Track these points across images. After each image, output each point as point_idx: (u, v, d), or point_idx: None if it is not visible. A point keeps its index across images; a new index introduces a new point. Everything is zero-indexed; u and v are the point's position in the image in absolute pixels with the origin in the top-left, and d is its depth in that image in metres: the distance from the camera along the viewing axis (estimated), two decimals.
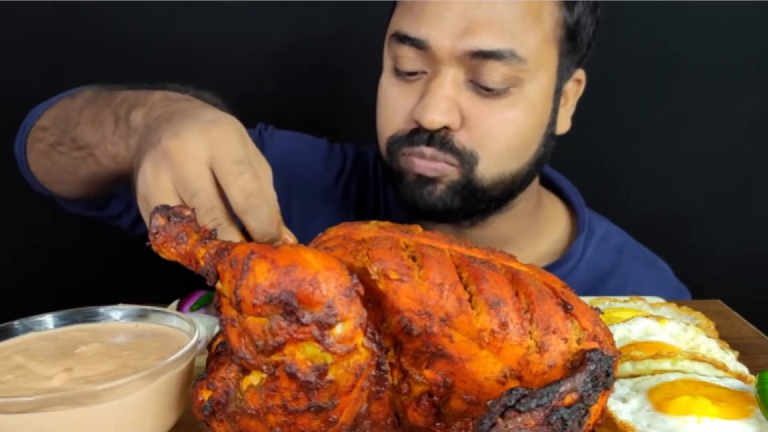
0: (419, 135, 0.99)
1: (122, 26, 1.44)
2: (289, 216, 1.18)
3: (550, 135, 1.06)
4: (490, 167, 1.00)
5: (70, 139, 0.96)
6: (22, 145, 1.05)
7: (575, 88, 1.09)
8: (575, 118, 1.11)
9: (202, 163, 0.67)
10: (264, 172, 0.70)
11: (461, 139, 0.98)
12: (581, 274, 1.12)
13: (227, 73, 1.47)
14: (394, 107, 1.02)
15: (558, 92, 1.04)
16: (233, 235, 0.67)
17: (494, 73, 0.95)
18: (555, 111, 1.05)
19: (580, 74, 1.08)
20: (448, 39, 0.94)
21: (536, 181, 1.13)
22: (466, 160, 0.98)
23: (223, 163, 0.66)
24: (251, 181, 0.66)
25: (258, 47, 1.47)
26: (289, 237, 0.69)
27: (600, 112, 1.43)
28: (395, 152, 1.02)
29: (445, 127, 0.97)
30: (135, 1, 1.42)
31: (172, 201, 0.67)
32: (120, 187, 1.00)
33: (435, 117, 0.95)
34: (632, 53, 1.46)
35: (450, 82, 0.96)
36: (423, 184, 1.01)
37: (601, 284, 1.12)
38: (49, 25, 1.43)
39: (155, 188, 0.68)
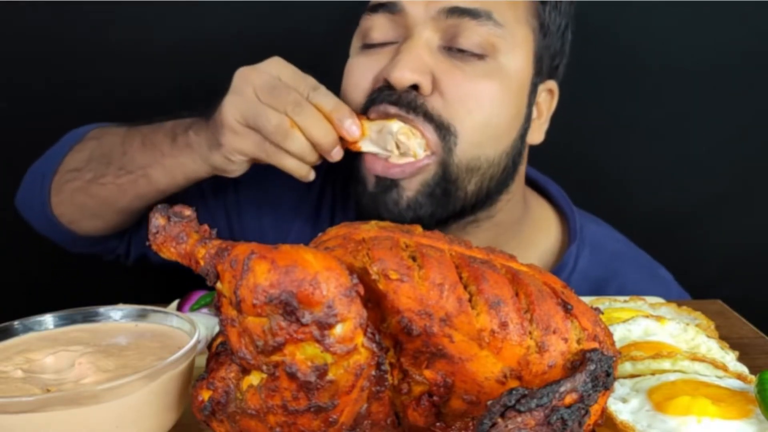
0: (381, 93, 0.93)
1: (116, 26, 1.44)
2: (262, 233, 1.17)
3: (527, 132, 1.03)
4: (468, 149, 0.94)
5: (116, 168, 1.05)
6: (41, 194, 1.10)
7: (548, 101, 1.07)
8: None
9: (272, 74, 0.91)
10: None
11: (435, 105, 0.93)
12: (575, 284, 1.04)
13: (225, 73, 1.47)
14: (360, 76, 0.98)
15: (534, 86, 1.01)
16: (310, 111, 0.89)
17: (471, 35, 0.93)
18: (530, 106, 1.02)
19: (552, 85, 1.06)
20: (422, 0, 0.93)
21: (520, 188, 1.09)
22: (444, 135, 0.93)
23: (288, 74, 0.92)
24: (315, 80, 0.92)
25: (256, 47, 1.47)
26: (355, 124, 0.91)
27: (599, 111, 1.43)
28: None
29: (415, 88, 0.92)
30: (127, 1, 1.41)
31: (256, 103, 0.90)
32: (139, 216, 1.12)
33: (404, 74, 0.91)
34: (630, 52, 1.46)
35: (423, 43, 0.93)
36: (383, 190, 0.95)
37: (597, 294, 1.08)
38: (48, 26, 1.43)
39: (239, 100, 0.90)
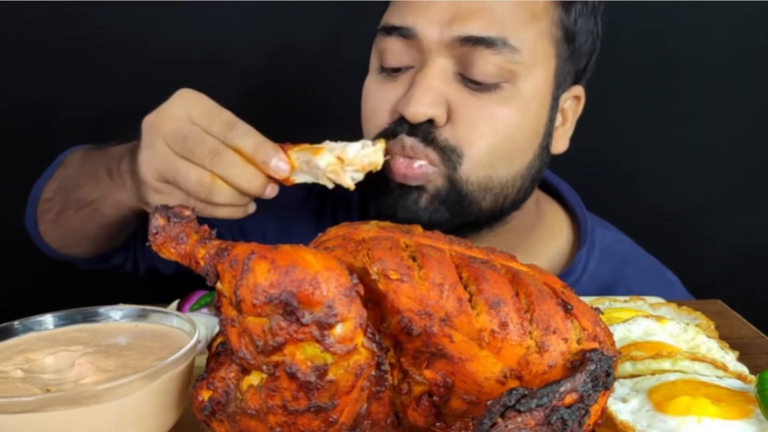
0: (402, 126, 0.93)
1: (114, 30, 1.45)
2: (265, 237, 1.16)
3: (546, 149, 1.00)
4: (476, 168, 0.93)
5: (74, 202, 1.03)
6: (32, 219, 1.11)
7: (574, 106, 1.05)
8: (577, 118, 1.09)
9: (182, 117, 0.81)
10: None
11: (446, 134, 0.92)
12: (583, 287, 1.07)
13: (222, 74, 1.47)
14: (378, 103, 0.97)
15: (555, 100, 0.99)
16: (230, 159, 0.80)
17: (486, 64, 0.90)
18: (551, 121, 1.00)
19: (578, 90, 1.03)
20: (436, 26, 0.91)
21: (533, 194, 1.08)
22: (448, 156, 0.92)
23: (199, 112, 0.81)
24: (230, 115, 0.81)
25: (253, 49, 1.47)
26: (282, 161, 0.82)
27: (599, 112, 1.43)
28: None
29: (430, 121, 0.92)
30: (126, 1, 1.41)
31: (171, 159, 0.81)
32: (124, 238, 1.12)
33: (419, 109, 0.90)
34: (632, 53, 1.46)
35: (438, 72, 0.91)
36: (406, 192, 0.94)
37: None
38: (47, 26, 1.44)
39: (152, 156, 0.82)
